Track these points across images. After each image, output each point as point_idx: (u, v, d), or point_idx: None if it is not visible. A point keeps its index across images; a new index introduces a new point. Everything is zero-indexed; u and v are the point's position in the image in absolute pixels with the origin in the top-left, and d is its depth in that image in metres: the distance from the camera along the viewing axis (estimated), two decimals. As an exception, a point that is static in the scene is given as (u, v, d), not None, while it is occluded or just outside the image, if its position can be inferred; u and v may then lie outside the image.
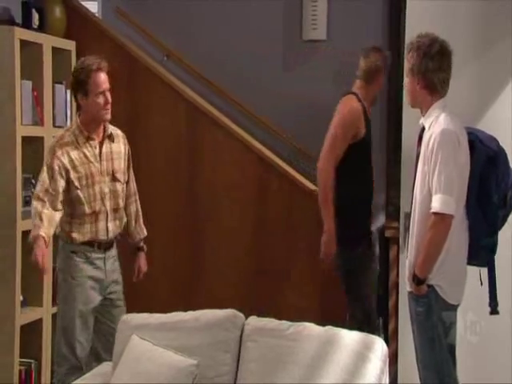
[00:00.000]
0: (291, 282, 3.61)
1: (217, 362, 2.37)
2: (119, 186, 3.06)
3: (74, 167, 2.93)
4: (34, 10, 3.69)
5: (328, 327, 2.37)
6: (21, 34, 3.49)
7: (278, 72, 4.34)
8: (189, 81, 4.38)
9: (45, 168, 2.91)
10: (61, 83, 3.74)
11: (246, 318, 2.47)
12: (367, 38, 4.04)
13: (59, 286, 3.06)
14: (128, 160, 3.15)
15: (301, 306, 3.45)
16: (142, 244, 3.23)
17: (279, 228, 3.67)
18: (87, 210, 2.96)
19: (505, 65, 2.99)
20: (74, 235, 2.96)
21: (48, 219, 2.84)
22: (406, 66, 2.59)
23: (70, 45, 3.83)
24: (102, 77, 2.95)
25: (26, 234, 3.51)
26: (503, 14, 2.95)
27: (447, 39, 2.61)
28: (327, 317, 2.99)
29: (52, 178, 2.88)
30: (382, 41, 3.87)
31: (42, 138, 3.62)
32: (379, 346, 2.29)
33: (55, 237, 3.05)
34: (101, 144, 3.03)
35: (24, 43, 3.49)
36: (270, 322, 2.42)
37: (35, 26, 3.68)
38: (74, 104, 3.84)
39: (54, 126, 3.71)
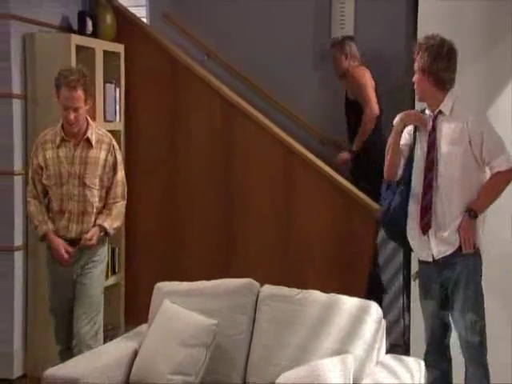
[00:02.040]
0: (315, 266, 3.77)
1: (235, 323, 2.67)
2: (89, 192, 3.03)
3: (47, 166, 3.00)
4: (88, 18, 4.02)
5: (331, 294, 2.63)
6: (77, 40, 3.78)
7: (309, 69, 4.53)
8: (227, 78, 4.60)
9: (30, 165, 3.07)
10: (111, 82, 4.02)
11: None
12: (391, 36, 4.21)
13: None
14: (114, 168, 3.10)
15: (322, 288, 3.65)
16: (98, 227, 3.10)
17: (305, 214, 3.84)
18: (55, 207, 3.05)
19: (508, 62, 3.12)
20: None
21: (46, 214, 3.05)
22: (417, 64, 2.78)
23: (119, 48, 4.10)
24: (68, 93, 2.92)
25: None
26: (507, 14, 3.09)
27: (455, 38, 2.77)
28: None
29: (33, 178, 3.05)
30: (404, 39, 4.01)
31: (93, 131, 3.96)
32: (374, 309, 2.54)
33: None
34: (75, 147, 3.03)
35: (79, 48, 3.77)
36: (282, 289, 2.70)
37: (89, 32, 4.00)
38: (123, 101, 4.14)
39: (105, 120, 3.98)
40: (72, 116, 2.94)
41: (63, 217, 3.04)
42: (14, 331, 3.74)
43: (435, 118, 2.79)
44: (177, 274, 3.12)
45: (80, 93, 2.96)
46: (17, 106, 3.71)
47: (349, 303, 2.57)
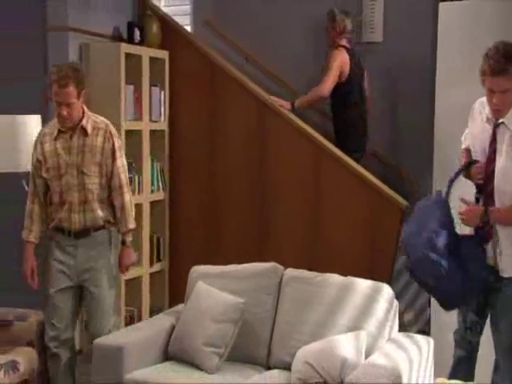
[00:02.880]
0: (341, 257, 3.84)
1: (261, 302, 2.88)
2: (87, 180, 2.92)
3: (45, 159, 2.90)
4: (136, 28, 4.26)
5: (347, 277, 2.80)
6: (126, 48, 4.01)
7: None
8: (265, 81, 4.74)
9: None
10: (156, 86, 4.24)
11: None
12: (418, 40, 4.22)
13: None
14: (112, 154, 2.96)
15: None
16: (125, 238, 3.04)
17: (333, 208, 3.94)
18: (56, 199, 2.93)
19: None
20: (50, 219, 2.98)
21: (38, 216, 2.95)
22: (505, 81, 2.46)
23: (163, 54, 4.30)
24: (58, 91, 2.82)
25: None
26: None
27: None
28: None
29: (32, 173, 2.95)
30: (431, 43, 4.03)
31: (140, 131, 4.13)
32: (386, 290, 2.70)
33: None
34: (71, 137, 2.91)
35: (128, 55, 3.99)
36: (303, 273, 2.89)
37: (137, 41, 4.24)
38: (168, 102, 4.35)
39: (151, 120, 4.20)
40: (65, 112, 2.83)
41: (64, 208, 2.92)
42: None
43: (495, 127, 2.57)
44: (215, 261, 3.27)
45: (71, 89, 2.83)
46: (73, 108, 4.03)
47: (363, 285, 2.73)
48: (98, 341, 2.81)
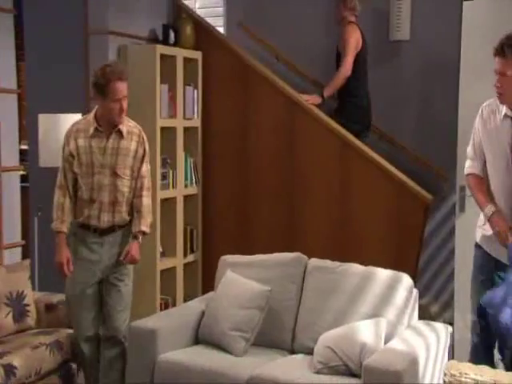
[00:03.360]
0: (367, 248, 3.87)
1: (286, 290, 2.99)
2: (119, 182, 2.93)
3: (78, 154, 2.87)
4: (171, 30, 4.39)
5: (368, 267, 2.88)
6: (161, 49, 4.12)
7: (368, 69, 4.54)
8: (294, 79, 4.82)
9: (61, 155, 2.91)
10: (190, 85, 4.35)
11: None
12: (446, 38, 4.22)
13: None
14: (142, 158, 3.00)
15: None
16: (138, 235, 3.01)
17: (358, 200, 3.98)
18: (85, 196, 2.92)
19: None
20: (75, 215, 2.97)
21: (68, 209, 2.91)
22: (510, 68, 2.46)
23: (197, 55, 4.41)
24: (120, 86, 2.84)
25: (163, 201, 4.21)
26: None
27: (497, 37, 2.67)
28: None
29: (64, 166, 2.90)
30: (457, 40, 3.96)
31: (174, 128, 4.25)
32: (406, 280, 2.76)
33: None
34: (108, 138, 2.91)
35: (163, 56, 4.11)
36: (326, 262, 2.99)
37: (171, 42, 4.35)
38: (201, 101, 4.48)
39: (184, 118, 4.31)
40: (125, 105, 2.87)
41: (93, 206, 2.93)
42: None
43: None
44: (245, 251, 3.36)
45: (127, 82, 2.92)
46: (112, 107, 4.20)
47: (383, 274, 2.81)
48: (133, 324, 2.96)
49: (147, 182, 3.05)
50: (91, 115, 2.95)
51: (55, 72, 4.24)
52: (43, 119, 3.38)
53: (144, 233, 3.02)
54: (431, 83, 4.28)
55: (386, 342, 2.61)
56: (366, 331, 2.59)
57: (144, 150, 3.03)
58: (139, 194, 3.02)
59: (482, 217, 2.70)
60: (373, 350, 2.52)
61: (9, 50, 3.54)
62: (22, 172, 3.90)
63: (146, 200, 3.03)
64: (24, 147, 4.57)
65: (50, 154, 3.34)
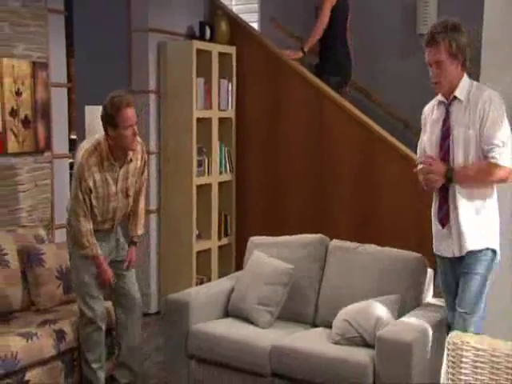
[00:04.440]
0: (392, 232, 3.92)
1: (308, 269, 3.12)
2: (130, 199, 3.02)
3: (96, 188, 2.87)
4: (207, 26, 4.55)
5: (386, 247, 2.98)
6: (197, 45, 4.29)
7: (396, 63, 4.68)
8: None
9: (77, 186, 2.84)
10: (224, 78, 4.50)
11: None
12: (472, 32, 4.23)
13: (70, 254, 2.98)
14: (143, 168, 3.04)
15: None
16: (135, 239, 3.10)
17: (384, 191, 4.05)
18: (99, 218, 2.94)
19: None
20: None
21: (94, 234, 2.90)
22: (445, 53, 2.42)
23: (231, 49, 4.56)
24: (130, 112, 2.84)
25: (199, 187, 4.39)
26: None
27: None
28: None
29: (83, 198, 2.85)
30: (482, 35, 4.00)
31: (210, 119, 4.42)
32: (421, 260, 2.85)
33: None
34: (120, 168, 2.93)
35: (199, 51, 4.28)
36: (346, 243, 3.10)
37: (207, 38, 4.52)
38: (235, 93, 4.62)
39: (219, 109, 4.47)
40: (136, 130, 2.89)
41: (106, 223, 2.99)
42: (150, 277, 4.41)
43: (449, 105, 2.51)
44: (276, 235, 3.46)
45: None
46: (152, 100, 4.36)
47: (400, 254, 2.91)
48: (169, 297, 3.16)
49: (144, 187, 3.12)
50: (103, 148, 2.88)
51: (101, 67, 4.48)
52: (89, 111, 3.59)
53: (139, 235, 3.13)
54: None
55: (399, 317, 2.71)
56: (381, 306, 2.70)
57: (144, 162, 3.07)
58: (137, 198, 3.08)
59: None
60: (386, 323, 2.63)
61: (60, 48, 3.76)
62: (71, 160, 4.15)
63: (143, 202, 3.12)
64: (73, 137, 4.85)
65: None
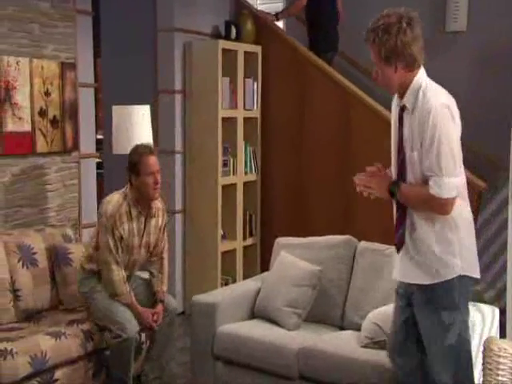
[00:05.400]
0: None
1: (337, 270, 3.09)
2: (149, 254, 3.05)
3: (123, 238, 2.90)
4: (232, 26, 4.53)
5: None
6: (223, 44, 4.29)
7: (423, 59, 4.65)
8: (351, 71, 4.88)
9: (109, 235, 2.86)
10: (250, 78, 4.48)
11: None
12: (502, 28, 4.15)
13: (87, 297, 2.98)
14: (164, 226, 3.08)
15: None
16: (162, 298, 3.04)
17: None
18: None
19: None
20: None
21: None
22: (376, 57, 2.15)
23: (257, 49, 4.55)
24: (152, 160, 2.92)
25: (224, 187, 4.38)
26: None
27: None
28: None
29: (115, 244, 2.87)
30: None
31: (235, 118, 4.41)
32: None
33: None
34: (146, 220, 2.97)
35: (225, 50, 4.27)
36: (374, 245, 3.05)
37: (233, 37, 4.50)
38: (260, 92, 4.61)
39: (245, 109, 4.47)
40: (158, 178, 2.94)
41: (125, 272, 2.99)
42: (175, 277, 4.39)
43: (401, 111, 2.19)
44: (301, 235, 3.44)
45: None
46: (178, 99, 4.36)
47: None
48: (195, 298, 3.15)
49: (166, 246, 3.15)
50: (129, 198, 2.94)
51: (127, 67, 4.50)
52: (116, 110, 3.60)
53: (163, 293, 3.09)
54: (488, 75, 4.19)
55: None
56: (412, 310, 2.64)
57: (165, 220, 3.12)
58: (160, 257, 3.11)
59: None
60: (417, 327, 2.57)
61: (88, 48, 3.79)
62: (97, 160, 4.18)
63: (166, 262, 3.14)
64: (99, 137, 4.88)
65: (122, 143, 3.57)
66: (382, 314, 2.72)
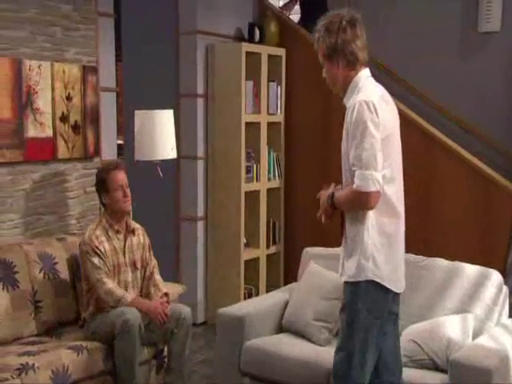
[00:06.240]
0: (454, 242, 3.76)
1: (369, 283, 2.95)
2: (139, 274, 3.04)
3: (107, 257, 2.91)
4: (256, 28, 4.43)
5: (455, 262, 2.78)
6: (246, 47, 4.20)
7: (456, 63, 4.46)
8: (375, 73, 4.78)
9: (90, 255, 2.86)
10: (273, 81, 4.39)
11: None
12: None
13: (90, 324, 2.91)
14: (148, 247, 3.09)
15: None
16: (164, 296, 3.03)
17: (444, 196, 3.82)
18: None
19: None
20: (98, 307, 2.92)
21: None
22: (320, 55, 2.24)
23: (280, 52, 4.45)
24: (119, 174, 2.97)
25: (247, 193, 4.29)
26: None
27: None
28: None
29: (99, 260, 2.87)
30: None
31: (259, 123, 4.30)
32: (495, 276, 2.64)
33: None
34: (125, 237, 3.00)
35: (248, 53, 4.17)
36: (410, 256, 2.88)
37: (256, 40, 4.40)
38: (284, 96, 4.51)
39: (268, 113, 4.37)
40: (127, 191, 2.97)
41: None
42: (197, 286, 4.31)
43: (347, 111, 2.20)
44: (326, 244, 3.35)
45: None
46: (200, 103, 4.27)
47: (470, 269, 2.70)
48: (221, 311, 3.03)
49: (156, 263, 3.13)
50: (103, 222, 2.98)
51: (148, 70, 4.41)
52: (139, 115, 3.52)
53: (166, 294, 3.06)
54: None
55: (473, 339, 2.52)
56: (452, 326, 2.51)
57: (148, 241, 3.13)
58: (152, 271, 3.09)
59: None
60: (460, 346, 2.43)
61: (110, 51, 3.71)
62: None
63: (159, 276, 3.11)
64: (120, 142, 4.79)
65: (145, 149, 3.47)
66: (420, 330, 2.59)
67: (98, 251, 2.90)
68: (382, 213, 2.14)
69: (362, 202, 2.10)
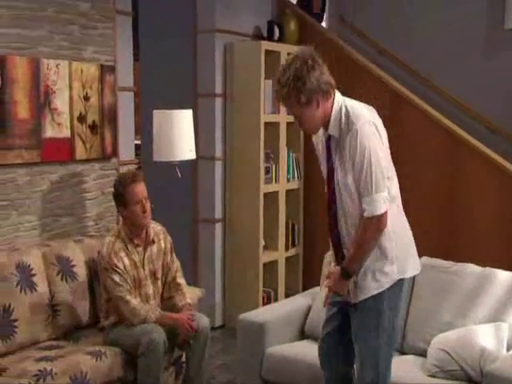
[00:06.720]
0: (481, 247, 3.68)
1: (396, 289, 2.85)
2: (160, 283, 2.96)
3: (127, 272, 2.84)
4: (275, 26, 4.36)
5: (486, 268, 2.67)
6: (266, 45, 4.12)
7: (481, 60, 4.39)
8: (399, 73, 4.69)
9: (111, 273, 2.79)
10: None
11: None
12: None
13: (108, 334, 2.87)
14: (170, 250, 3.00)
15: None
16: (187, 307, 2.96)
17: (471, 197, 3.76)
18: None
19: None
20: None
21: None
22: (297, 107, 2.14)
23: None
24: (138, 187, 2.85)
25: (266, 195, 4.22)
26: None
27: None
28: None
29: (121, 278, 2.80)
30: None
31: (278, 123, 4.23)
32: (529, 284, 2.53)
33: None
34: (145, 250, 2.91)
35: (267, 52, 4.09)
36: (438, 261, 2.81)
37: (276, 38, 4.33)
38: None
39: (287, 113, 4.10)
40: (147, 205, 2.87)
41: None
42: (215, 289, 4.24)
43: (328, 140, 2.22)
44: None
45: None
46: (218, 103, 4.19)
47: (503, 276, 2.60)
48: (242, 317, 2.96)
49: (179, 265, 3.06)
50: (122, 234, 2.90)
51: (166, 70, 4.35)
52: (157, 115, 3.45)
53: (190, 304, 3.00)
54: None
55: (508, 349, 2.41)
56: (485, 335, 2.40)
57: (170, 242, 3.04)
58: (174, 276, 3.02)
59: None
60: (494, 357, 2.33)
61: (127, 50, 3.66)
62: (136, 166, 4.03)
63: (183, 280, 3.04)
64: (137, 142, 4.74)
65: (163, 149, 3.41)
66: (451, 339, 2.49)
67: (118, 269, 2.82)
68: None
69: (377, 226, 2.13)
